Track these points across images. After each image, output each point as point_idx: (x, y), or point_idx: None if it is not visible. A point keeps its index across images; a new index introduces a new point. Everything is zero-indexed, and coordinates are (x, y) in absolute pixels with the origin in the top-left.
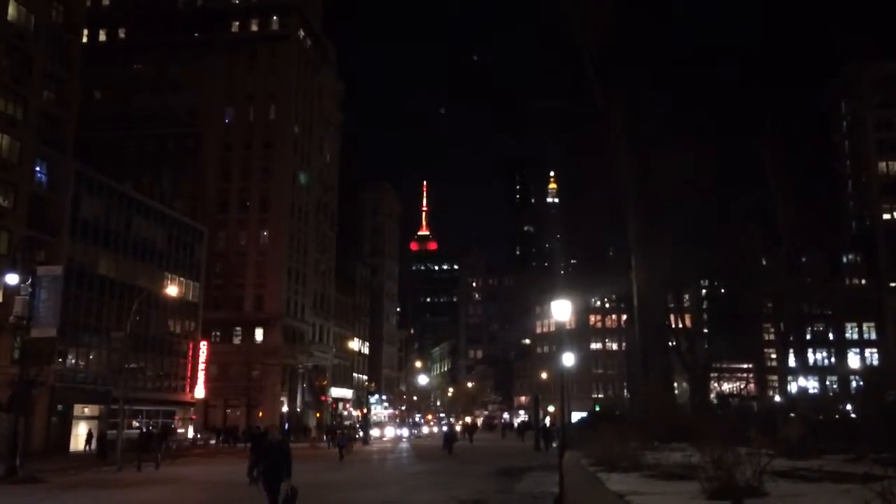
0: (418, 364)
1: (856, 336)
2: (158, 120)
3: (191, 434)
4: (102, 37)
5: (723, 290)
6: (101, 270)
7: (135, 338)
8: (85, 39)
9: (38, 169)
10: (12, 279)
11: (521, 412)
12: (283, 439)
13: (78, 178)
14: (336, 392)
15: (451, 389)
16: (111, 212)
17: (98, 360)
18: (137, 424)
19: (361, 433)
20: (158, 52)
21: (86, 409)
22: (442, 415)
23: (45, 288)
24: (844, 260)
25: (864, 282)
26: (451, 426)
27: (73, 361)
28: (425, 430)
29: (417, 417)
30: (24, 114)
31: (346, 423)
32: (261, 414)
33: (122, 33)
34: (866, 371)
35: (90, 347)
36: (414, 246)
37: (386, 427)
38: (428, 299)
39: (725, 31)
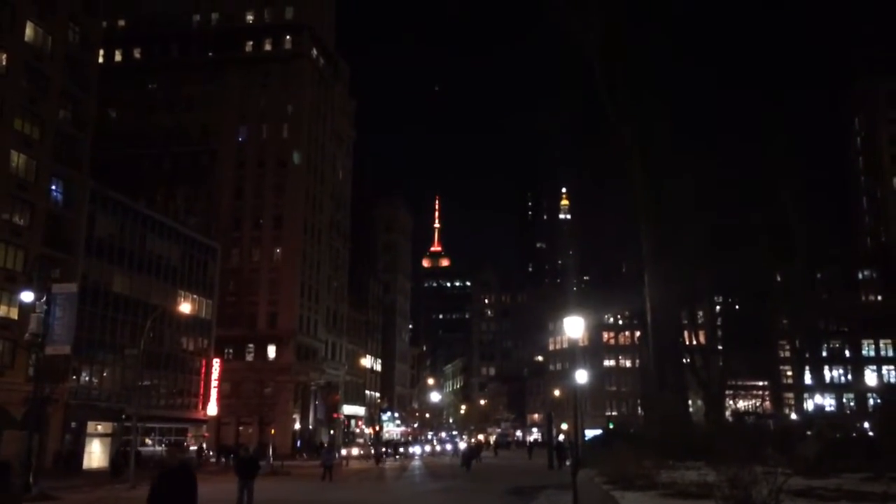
0: (430, 381)
1: (872, 353)
2: (173, 138)
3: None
4: (118, 57)
5: (737, 307)
6: (115, 288)
7: (148, 355)
8: (101, 59)
9: (53, 187)
10: (28, 297)
11: (535, 430)
12: (186, 462)
13: (93, 197)
14: (348, 409)
15: (463, 407)
16: (126, 229)
17: (112, 377)
18: (150, 442)
19: (402, 449)
20: (173, 71)
21: (99, 427)
22: (454, 433)
23: (59, 305)
24: (860, 276)
25: (880, 298)
26: (469, 444)
27: (87, 379)
28: (426, 448)
29: (430, 435)
30: (40, 133)
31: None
32: (273, 431)
33: (137, 53)
34: (883, 388)
35: (104, 365)
36: (426, 262)
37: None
38: (440, 316)
39: (739, 46)
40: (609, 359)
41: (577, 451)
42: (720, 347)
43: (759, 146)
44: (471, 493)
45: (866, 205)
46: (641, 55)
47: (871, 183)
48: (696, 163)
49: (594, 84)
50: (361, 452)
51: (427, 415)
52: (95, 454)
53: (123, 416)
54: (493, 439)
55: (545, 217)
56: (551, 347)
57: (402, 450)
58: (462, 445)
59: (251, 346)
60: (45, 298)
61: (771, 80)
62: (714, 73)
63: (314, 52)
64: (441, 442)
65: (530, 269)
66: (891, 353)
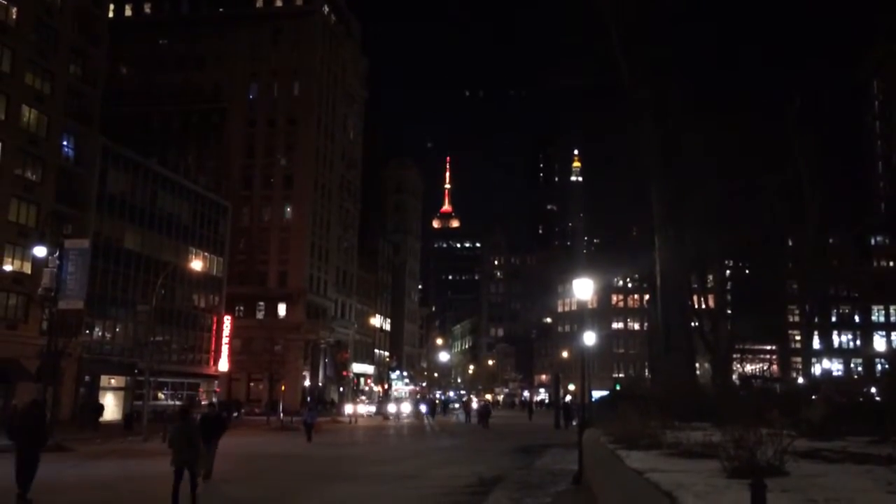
0: (439, 341)
1: (882, 318)
2: (183, 95)
3: None
4: (128, 12)
5: (747, 271)
6: (127, 244)
7: (160, 311)
8: (111, 14)
9: (65, 143)
10: (40, 252)
11: (542, 390)
12: (36, 401)
13: (104, 153)
14: (357, 367)
15: (471, 367)
16: (137, 186)
17: (124, 332)
18: (163, 396)
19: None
20: (183, 27)
21: (112, 381)
22: (462, 392)
23: (72, 261)
24: (873, 241)
25: (892, 264)
26: (486, 403)
27: (100, 333)
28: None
29: (438, 393)
30: (51, 88)
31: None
32: (283, 388)
33: (147, 8)
34: (892, 354)
35: (116, 320)
36: (436, 223)
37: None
38: (450, 277)
39: (755, 5)
40: (617, 321)
41: (583, 411)
42: (729, 311)
43: (775, 110)
44: (481, 451)
45: (881, 169)
46: (658, 16)
47: (887, 148)
48: (710, 126)
49: (609, 47)
50: (371, 410)
51: (435, 374)
52: (109, 407)
53: (136, 371)
54: (500, 399)
55: (556, 179)
56: (560, 309)
57: (402, 406)
58: (474, 406)
59: (261, 304)
60: (57, 254)
61: (789, 43)
62: (730, 34)
63: (325, 8)
64: (449, 401)
65: (540, 231)
66: None
